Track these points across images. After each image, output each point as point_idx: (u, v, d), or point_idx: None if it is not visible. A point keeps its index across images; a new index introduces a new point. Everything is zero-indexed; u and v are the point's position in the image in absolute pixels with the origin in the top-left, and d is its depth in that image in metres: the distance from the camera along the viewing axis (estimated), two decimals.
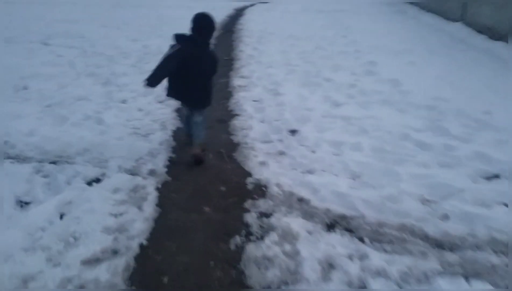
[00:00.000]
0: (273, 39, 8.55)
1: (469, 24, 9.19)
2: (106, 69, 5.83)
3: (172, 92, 3.23)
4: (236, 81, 5.55)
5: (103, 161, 3.20)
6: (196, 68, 3.03)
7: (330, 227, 2.50)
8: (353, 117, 4.10)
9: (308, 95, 4.86)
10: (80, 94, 4.67)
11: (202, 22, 3.09)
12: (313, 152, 3.42)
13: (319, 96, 4.82)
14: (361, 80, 5.42)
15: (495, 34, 7.84)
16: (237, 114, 4.34)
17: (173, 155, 3.42)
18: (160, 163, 3.22)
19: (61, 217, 2.48)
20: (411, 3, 15.54)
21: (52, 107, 4.27)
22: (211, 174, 3.16)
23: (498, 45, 7.26)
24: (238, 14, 12.88)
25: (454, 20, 10.00)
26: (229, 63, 6.67)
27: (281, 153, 3.41)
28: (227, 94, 5.10)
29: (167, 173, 3.13)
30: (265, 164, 3.23)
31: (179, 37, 3.02)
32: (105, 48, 7.11)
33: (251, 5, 15.57)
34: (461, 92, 4.97)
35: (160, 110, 4.37)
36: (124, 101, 4.53)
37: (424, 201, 2.74)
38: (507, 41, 7.07)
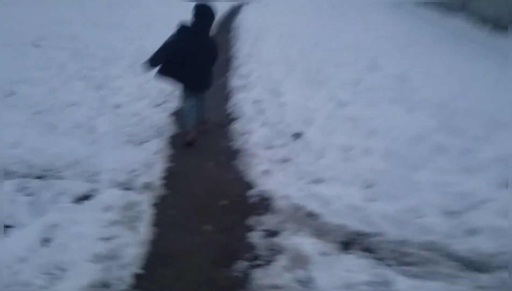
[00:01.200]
0: (271, 36, 8.19)
1: (471, 16, 8.86)
2: (100, 72, 5.48)
3: (170, 73, 3.29)
4: (234, 82, 5.22)
5: (94, 174, 2.89)
6: (196, 54, 3.17)
7: (346, 246, 2.20)
8: (361, 118, 3.79)
9: (311, 94, 4.54)
10: (71, 100, 4.33)
11: (202, 11, 3.21)
12: (320, 157, 3.11)
13: (323, 95, 4.50)
14: (366, 77, 5.10)
15: (497, 26, 7.51)
16: (236, 118, 4.02)
17: (170, 165, 3.11)
18: (155, 175, 2.91)
19: (45, 243, 2.18)
20: None
21: (41, 114, 3.94)
22: (211, 185, 2.85)
23: (502, 37, 6.94)
24: (234, 11, 12.49)
25: (455, 12, 9.67)
26: (227, 62, 6.33)
27: (286, 160, 3.10)
28: (226, 95, 4.78)
29: (164, 185, 2.82)
30: (268, 172, 2.92)
31: (181, 26, 3.22)
32: (98, 50, 6.75)
33: (247, 3, 15.16)
34: (470, 88, 4.66)
35: (156, 115, 4.05)
36: (118, 106, 4.20)
37: (448, 213, 2.44)
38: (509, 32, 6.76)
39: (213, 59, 3.35)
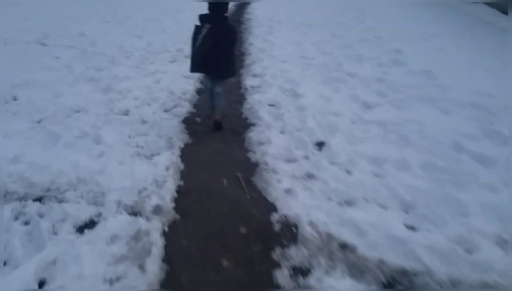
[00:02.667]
0: (283, 28, 7.74)
1: (492, 4, 8.22)
2: (107, 72, 5.15)
3: (196, 67, 3.43)
4: (248, 81, 4.84)
5: (99, 195, 2.58)
6: (217, 40, 3.25)
7: (388, 287, 1.85)
8: (390, 122, 3.39)
9: (331, 95, 4.14)
10: (77, 105, 4.03)
11: (214, 3, 3.29)
12: (349, 172, 2.74)
13: (345, 95, 4.09)
14: (390, 73, 4.66)
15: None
16: (252, 124, 3.66)
17: (182, 182, 2.77)
18: (167, 195, 2.58)
19: (42, 285, 1.88)
20: None
21: (44, 122, 3.63)
22: (228, 207, 2.51)
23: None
24: (244, 2, 11.98)
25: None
26: (239, 58, 5.94)
27: (310, 176, 2.74)
28: (240, 97, 4.41)
29: (176, 208, 2.50)
30: (291, 192, 2.57)
31: (201, 17, 3.31)
32: (106, 47, 6.41)
33: None
34: (503, 83, 4.20)
35: (166, 121, 3.71)
36: (126, 113, 3.87)
37: (503, 243, 2.07)
38: None
39: (233, 43, 3.42)
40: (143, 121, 3.70)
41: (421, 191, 2.48)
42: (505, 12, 7.61)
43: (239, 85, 4.81)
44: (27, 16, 9.40)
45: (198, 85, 4.83)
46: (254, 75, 5.02)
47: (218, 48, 3.27)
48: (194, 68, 3.43)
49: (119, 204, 2.48)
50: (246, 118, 3.82)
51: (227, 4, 3.36)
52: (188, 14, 9.39)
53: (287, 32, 7.27)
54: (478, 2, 8.86)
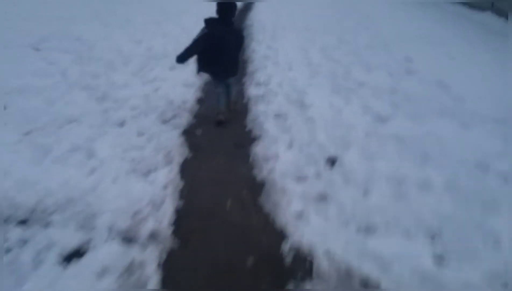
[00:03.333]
0: (287, 34, 7.55)
1: (499, 12, 8.05)
2: (104, 79, 4.93)
3: (204, 67, 3.55)
4: (251, 90, 4.61)
5: (89, 218, 2.34)
6: (224, 43, 3.38)
7: None
8: (408, 137, 3.16)
9: (342, 105, 3.92)
10: (70, 115, 3.79)
11: (224, 4, 3.37)
12: (366, 193, 2.50)
13: (357, 106, 3.87)
14: (402, 82, 4.44)
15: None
16: (257, 137, 3.43)
17: (181, 202, 2.53)
18: (164, 219, 2.34)
19: None
20: None
21: (34, 134, 3.40)
22: (233, 233, 2.27)
23: None
24: (247, 7, 11.82)
25: (482, 8, 8.86)
26: (242, 65, 5.73)
27: (323, 197, 2.50)
28: (243, 107, 4.18)
29: (174, 234, 2.25)
30: (303, 216, 2.33)
31: (207, 21, 3.39)
32: (104, 52, 6.20)
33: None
34: None
35: (164, 133, 3.48)
36: (122, 124, 3.64)
37: None
38: None
39: (240, 45, 3.62)
40: (140, 133, 3.47)
41: (447, 216, 2.24)
42: (505, 17, 7.46)
43: (242, 94, 4.58)
44: (26, 17, 9.22)
45: (199, 94, 4.60)
46: (258, 84, 4.80)
47: (225, 51, 3.41)
48: (201, 68, 3.55)
49: (111, 228, 2.24)
50: (251, 131, 3.59)
51: (235, 7, 3.44)
52: (190, 17, 9.21)
53: (292, 38, 7.07)
54: (461, 2, 8.69)
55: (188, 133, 3.57)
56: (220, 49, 3.37)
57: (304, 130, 3.42)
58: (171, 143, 3.29)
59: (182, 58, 3.34)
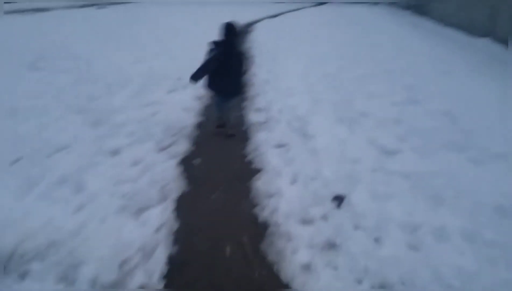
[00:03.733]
0: (288, 58, 7.40)
1: (499, 38, 7.99)
2: (101, 101, 4.70)
3: (210, 85, 3.68)
4: (252, 116, 4.39)
5: (72, 268, 2.04)
6: (229, 64, 3.53)
7: None
8: (417, 173, 2.92)
9: (346, 136, 3.69)
10: (61, 141, 3.53)
11: (228, 28, 3.53)
12: (378, 242, 2.24)
13: (361, 137, 3.64)
14: (406, 113, 4.24)
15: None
16: (258, 169, 3.18)
17: (175, 249, 2.25)
18: (155, 270, 2.05)
19: None
20: (418, 13, 14.43)
21: (20, 163, 3.12)
22: (232, 287, 1.99)
23: None
24: (246, 30, 11.77)
25: (481, 34, 8.82)
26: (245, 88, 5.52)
27: (332, 245, 2.23)
28: (243, 135, 3.94)
29: (166, 287, 1.97)
30: (311, 268, 2.05)
31: (214, 43, 3.53)
32: (103, 73, 6.00)
33: (259, 20, 14.49)
34: None
35: (161, 164, 3.22)
36: (116, 152, 3.38)
37: None
38: None
39: (243, 66, 3.69)
40: (134, 163, 3.20)
41: (469, 273, 1.97)
42: (505, 43, 7.40)
43: (242, 120, 4.36)
44: (25, 34, 9.06)
45: (198, 119, 4.37)
46: (259, 110, 4.59)
47: (229, 71, 3.55)
48: (208, 85, 3.68)
49: (94, 282, 1.95)
50: (251, 162, 3.34)
51: (238, 29, 3.61)
52: (193, 37, 9.09)
53: (292, 63, 6.92)
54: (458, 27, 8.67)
55: (186, 163, 3.32)
56: (226, 69, 3.53)
57: (308, 163, 3.18)
58: (167, 175, 3.03)
59: (196, 77, 3.50)
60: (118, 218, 2.47)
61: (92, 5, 20.60)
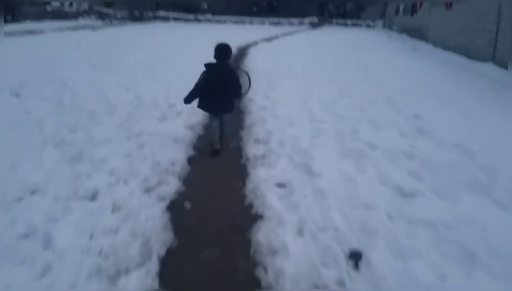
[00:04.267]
0: (284, 82, 7.13)
1: (500, 63, 7.86)
2: (83, 133, 4.29)
3: (202, 105, 3.86)
4: (250, 148, 4.01)
5: None
6: (220, 84, 3.74)
7: None
8: (441, 223, 2.53)
9: (355, 174, 3.31)
10: (34, 182, 3.09)
11: (221, 49, 3.77)
12: None
13: (372, 175, 3.27)
14: (417, 145, 3.90)
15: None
16: (259, 215, 2.76)
17: None
18: None
19: None
20: (416, 36, 14.49)
21: None
22: None
23: None
24: (241, 53, 11.58)
25: (482, 58, 8.70)
26: (238, 118, 5.19)
27: None
28: (240, 170, 3.55)
29: None
30: None
31: (207, 65, 3.74)
32: (88, 100, 5.61)
33: (254, 44, 14.39)
34: None
35: (145, 208, 2.79)
36: (94, 195, 2.94)
37: None
38: None
39: (235, 84, 3.85)
40: (115, 209, 2.77)
41: None
42: (505, 68, 7.27)
43: (239, 152, 3.98)
44: (15, 58, 8.69)
45: (190, 152, 3.98)
46: (257, 141, 4.22)
47: (221, 91, 3.74)
48: (199, 105, 3.86)
49: None
50: (251, 205, 2.93)
51: (230, 50, 3.82)
52: (184, 61, 8.82)
53: (290, 88, 6.64)
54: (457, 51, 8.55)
55: (175, 207, 2.89)
56: (217, 90, 3.72)
57: (315, 209, 2.78)
58: (153, 225, 2.59)
59: (187, 100, 3.77)
60: (90, 285, 2.02)
61: (87, 27, 20.49)
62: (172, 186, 3.21)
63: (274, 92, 6.35)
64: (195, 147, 4.15)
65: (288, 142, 4.08)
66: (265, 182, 3.23)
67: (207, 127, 4.56)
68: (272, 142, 4.10)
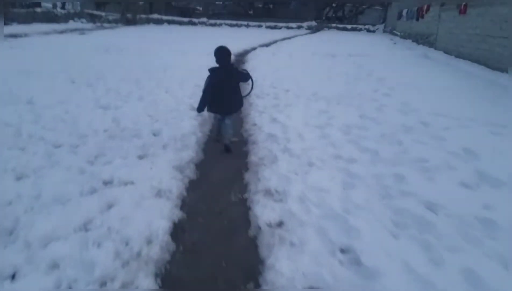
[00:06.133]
0: (293, 100, 5.93)
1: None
2: (32, 180, 3.05)
3: (212, 108, 3.90)
4: (260, 208, 2.80)
5: None
6: (225, 85, 3.79)
7: None
8: None
9: (424, 265, 2.12)
10: None
11: (222, 52, 3.76)
12: None
13: (453, 271, 2.08)
14: (492, 203, 2.73)
15: None
16: None
17: None
18: None
19: None
20: (423, 43, 13.44)
21: None
22: None
23: None
24: (239, 60, 10.37)
25: (503, 69, 7.65)
26: (240, 152, 3.99)
27: None
28: (250, 254, 2.34)
29: None
30: None
31: (211, 70, 3.77)
32: (52, 126, 4.35)
33: (252, 50, 13.18)
34: None
35: None
36: None
37: None
38: None
39: (239, 81, 3.89)
40: None
41: None
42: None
43: (246, 215, 2.78)
44: None
45: (178, 215, 2.76)
46: (268, 193, 3.01)
47: (226, 92, 3.78)
48: (208, 108, 3.87)
49: None
50: None
51: (229, 52, 3.75)
52: (177, 75, 7.58)
53: (301, 108, 5.45)
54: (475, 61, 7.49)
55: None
56: (222, 91, 3.75)
57: None
58: None
59: (200, 109, 3.79)
60: None
61: (76, 30, 19.11)
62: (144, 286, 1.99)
63: (282, 113, 5.15)
64: (184, 204, 2.94)
65: (312, 198, 2.88)
66: (289, 281, 2.03)
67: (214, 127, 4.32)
68: (289, 198, 2.90)
